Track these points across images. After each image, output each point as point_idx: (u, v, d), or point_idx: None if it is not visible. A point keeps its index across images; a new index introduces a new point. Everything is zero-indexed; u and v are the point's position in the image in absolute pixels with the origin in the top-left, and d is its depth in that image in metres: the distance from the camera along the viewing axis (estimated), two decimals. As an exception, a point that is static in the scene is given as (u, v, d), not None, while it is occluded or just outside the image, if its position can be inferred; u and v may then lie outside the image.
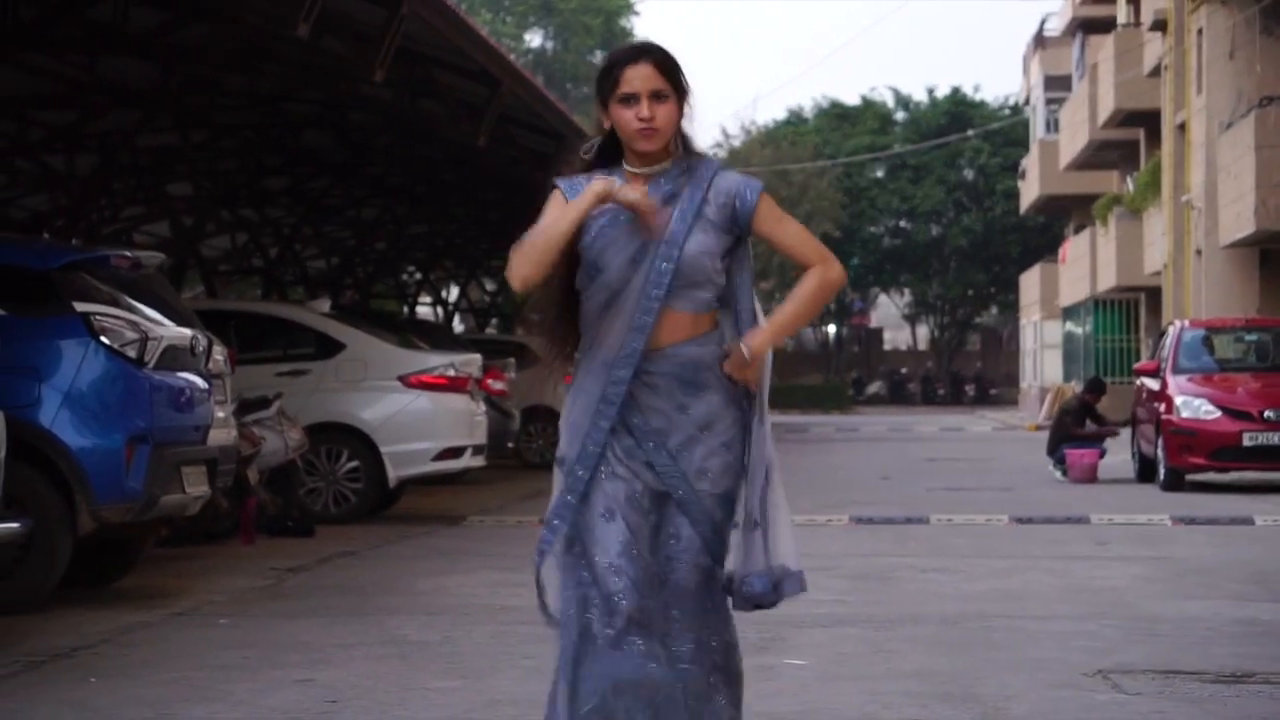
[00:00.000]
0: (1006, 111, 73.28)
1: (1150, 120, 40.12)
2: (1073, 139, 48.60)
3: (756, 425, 5.46)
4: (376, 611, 10.78)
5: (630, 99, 5.34)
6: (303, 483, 17.01)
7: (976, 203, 73.48)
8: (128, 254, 12.18)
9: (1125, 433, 25.05)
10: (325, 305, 19.24)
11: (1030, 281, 58.81)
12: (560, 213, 5.29)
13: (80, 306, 11.00)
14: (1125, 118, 42.13)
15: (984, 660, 8.85)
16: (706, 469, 5.36)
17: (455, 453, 18.15)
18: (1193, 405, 21.30)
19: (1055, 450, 24.05)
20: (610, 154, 5.46)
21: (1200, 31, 33.30)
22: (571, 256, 5.39)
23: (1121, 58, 41.34)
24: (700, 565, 5.36)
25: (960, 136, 70.55)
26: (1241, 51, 31.55)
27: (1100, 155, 47.76)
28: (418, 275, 41.79)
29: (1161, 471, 21.59)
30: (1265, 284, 31.80)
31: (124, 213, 27.69)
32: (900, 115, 75.86)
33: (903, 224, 75.61)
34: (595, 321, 5.40)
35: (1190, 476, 21.51)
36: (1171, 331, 23.47)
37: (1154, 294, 41.28)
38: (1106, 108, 42.83)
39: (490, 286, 47.91)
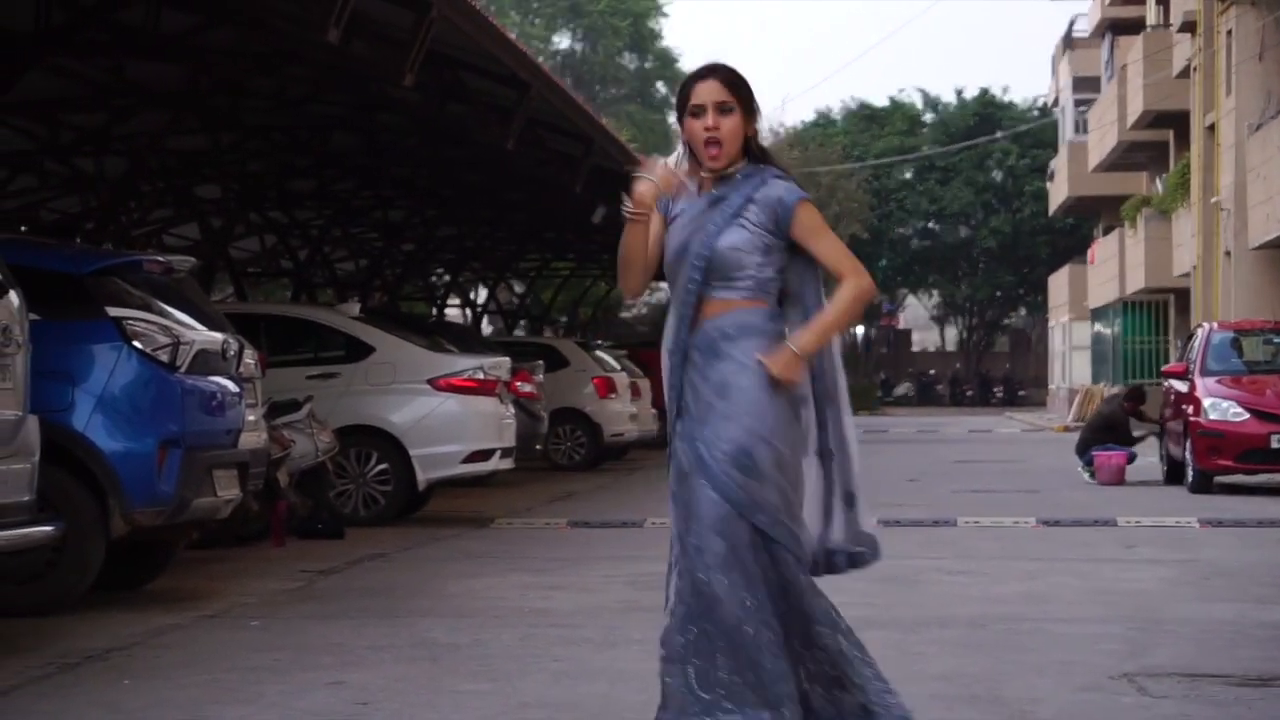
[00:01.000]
0: (1035, 113, 73.17)
1: (1179, 122, 40.05)
2: (1101, 140, 48.54)
3: (832, 413, 6.00)
4: (406, 614, 10.84)
5: (699, 111, 5.88)
6: (333, 485, 17.08)
7: (1005, 204, 73.41)
8: (160, 258, 12.26)
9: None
10: (355, 308, 19.30)
11: (1059, 283, 58.75)
12: (626, 228, 5.90)
13: (113, 311, 11.08)
14: (1154, 119, 42.07)
15: (1010, 663, 8.88)
16: (719, 435, 5.80)
17: (484, 455, 18.20)
18: (1221, 407, 21.29)
19: (1085, 452, 24.06)
20: (695, 162, 6.00)
21: (1229, 33, 33.27)
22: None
23: (1150, 59, 41.28)
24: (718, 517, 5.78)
25: (989, 138, 70.49)
26: (1271, 53, 31.51)
27: (1129, 157, 47.68)
28: (446, 277, 41.85)
29: (1189, 474, 21.59)
30: (1294, 286, 31.75)
31: (153, 215, 27.76)
32: (929, 117, 75.83)
33: (931, 225, 75.57)
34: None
35: (1218, 479, 21.50)
36: (1200, 333, 23.46)
37: (1183, 296, 41.23)
38: (1135, 109, 42.78)
39: (519, 288, 47.99)
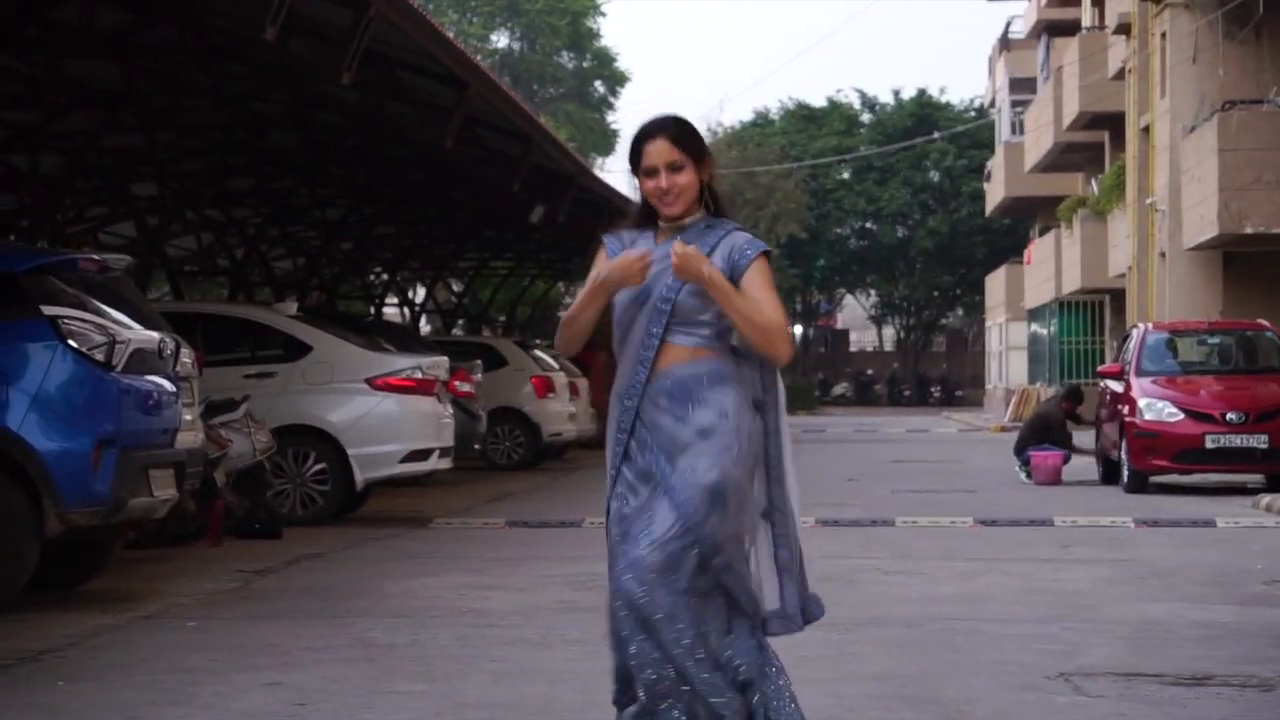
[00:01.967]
0: (972, 114, 73.52)
1: (1115, 123, 40.28)
2: (1038, 141, 48.78)
3: (774, 435, 6.02)
4: (344, 614, 10.82)
5: (651, 171, 5.96)
6: (270, 485, 17.01)
7: (942, 204, 73.73)
8: (95, 257, 12.19)
9: (1088, 435, 25.15)
10: (292, 307, 19.23)
11: (995, 283, 59.03)
12: (585, 299, 5.92)
13: (48, 310, 11.01)
14: (1090, 120, 42.32)
15: (946, 663, 8.92)
16: (695, 467, 5.82)
17: (422, 455, 18.17)
18: (1156, 408, 21.42)
19: (1022, 451, 24.18)
20: (650, 211, 6.05)
21: (1164, 35, 33.47)
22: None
23: (1086, 61, 41.52)
24: (667, 543, 5.78)
25: (926, 139, 70.76)
26: (1204, 55, 31.71)
27: (1065, 158, 47.94)
28: (384, 276, 41.74)
29: (1125, 474, 21.72)
30: (1228, 287, 31.95)
31: (89, 213, 27.60)
32: (866, 117, 76.06)
33: (869, 225, 75.83)
34: (618, 355, 6.04)
35: (1153, 478, 21.64)
36: (1135, 334, 23.59)
37: (1118, 296, 41.47)
38: (1071, 110, 43.02)
39: (457, 287, 47.87)
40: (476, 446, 24.61)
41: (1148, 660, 8.95)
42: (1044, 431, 24.33)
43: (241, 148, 24.33)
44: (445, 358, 19.81)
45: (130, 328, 11.56)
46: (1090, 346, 46.03)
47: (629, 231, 6.08)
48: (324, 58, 15.91)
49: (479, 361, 25.77)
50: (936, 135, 71.29)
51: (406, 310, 43.40)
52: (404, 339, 22.43)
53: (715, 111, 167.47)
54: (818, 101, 77.07)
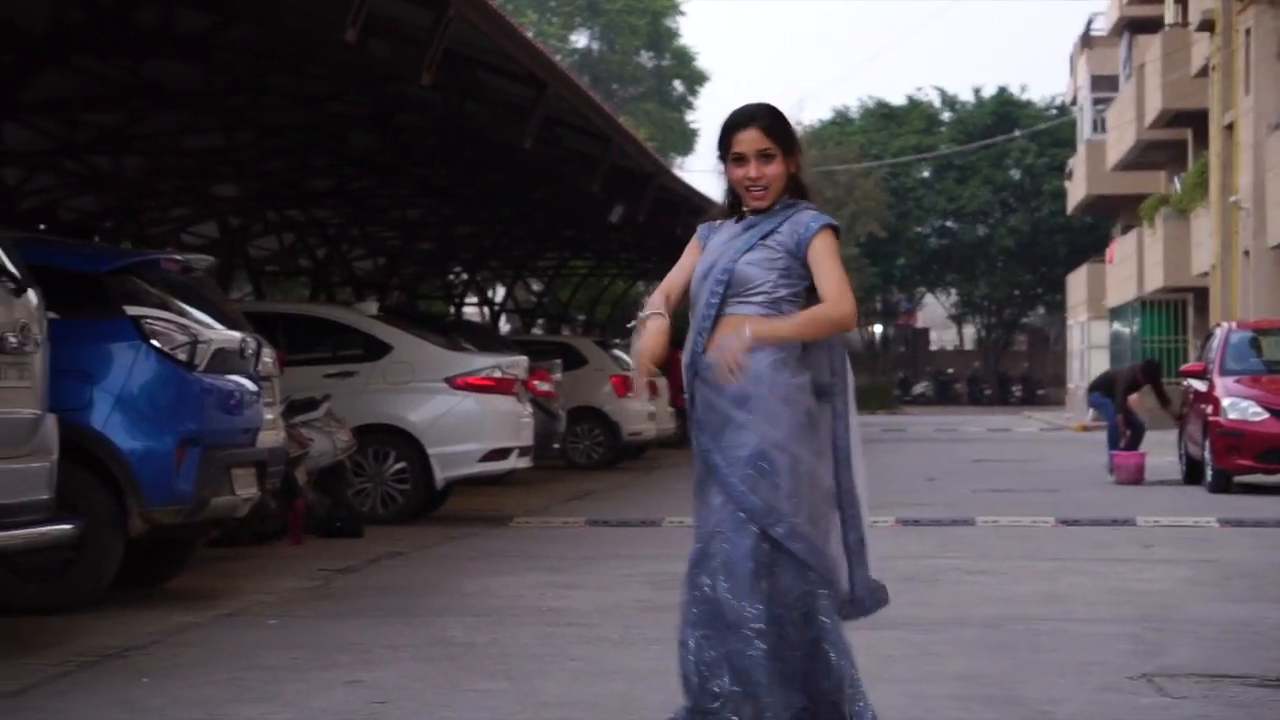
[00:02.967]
0: (1053, 111, 73.09)
1: (1198, 120, 39.97)
2: (1120, 139, 48.46)
3: (842, 418, 6.07)
4: (424, 612, 10.84)
5: (741, 159, 5.95)
6: (351, 484, 17.09)
7: (1023, 203, 73.33)
8: (178, 257, 12.28)
9: (1171, 435, 24.98)
10: (373, 307, 19.30)
11: (1077, 282, 58.67)
12: (646, 341, 5.98)
13: (131, 310, 11.09)
14: (1172, 118, 41.99)
15: (1029, 663, 8.86)
16: (734, 441, 5.86)
17: (502, 454, 18.20)
18: (1240, 407, 21.24)
19: (1092, 393, 25.21)
20: (736, 200, 6.08)
21: (1248, 31, 33.18)
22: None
23: (1169, 58, 41.20)
24: (732, 526, 5.84)
25: (1007, 137, 70.43)
26: (1289, 51, 31.43)
27: (1147, 156, 47.60)
28: (464, 276, 41.87)
29: (1209, 473, 21.55)
30: (1313, 285, 31.67)
31: (171, 214, 27.82)
32: (946, 115, 75.75)
33: (949, 224, 75.50)
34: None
35: (1237, 478, 21.46)
36: (1219, 333, 23.42)
37: (1201, 295, 41.15)
38: (1154, 108, 42.70)
39: (536, 287, 47.96)
40: (556, 446, 24.64)
41: (1233, 662, 8.86)
42: (1109, 386, 24.68)
43: (322, 148, 24.45)
44: (525, 357, 19.85)
45: (212, 327, 11.63)
46: (1172, 345, 45.67)
47: (718, 221, 6.15)
48: (403, 58, 15.96)
49: (558, 361, 25.79)
50: (1017, 133, 70.93)
51: (486, 310, 43.53)
52: (484, 338, 22.50)
53: (795, 110, 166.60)
54: (898, 100, 76.90)
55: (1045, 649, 9.33)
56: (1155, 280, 43.65)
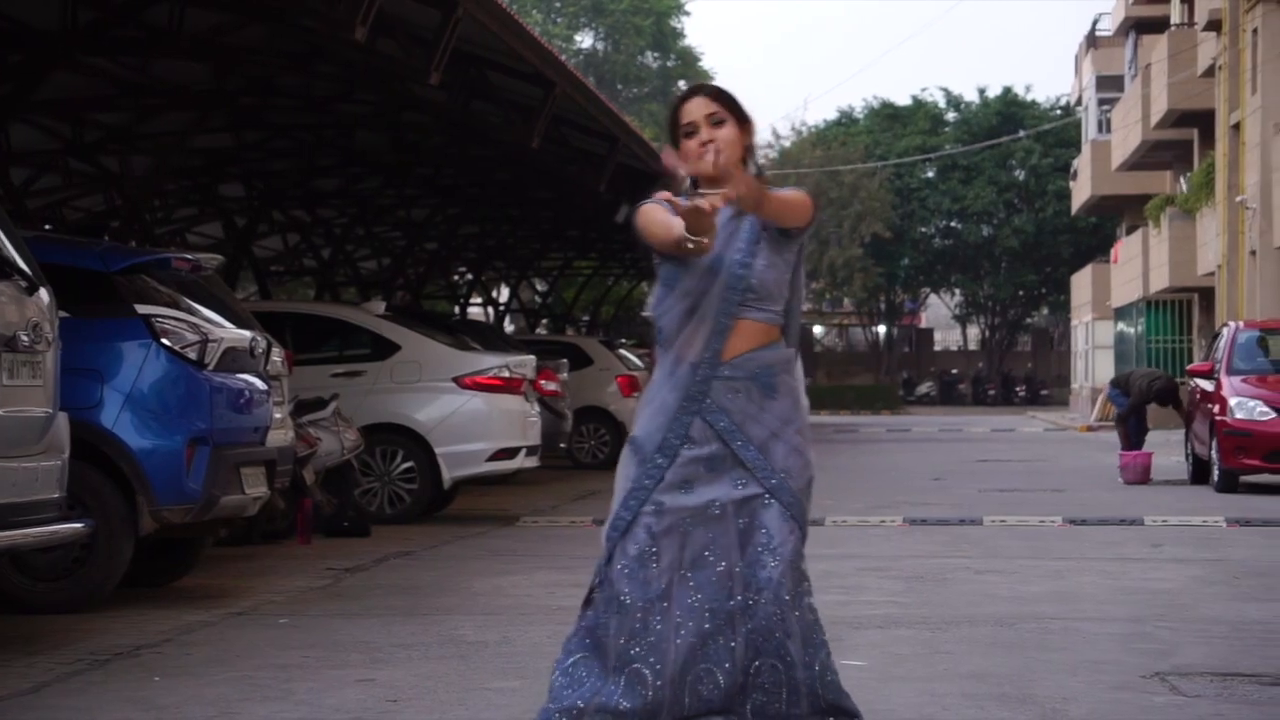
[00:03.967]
0: (1058, 112, 73.06)
1: (1204, 121, 39.95)
2: (1125, 139, 48.44)
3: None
4: (434, 611, 10.85)
5: (691, 129, 5.63)
6: (358, 483, 17.09)
7: (1028, 203, 73.30)
8: (188, 256, 12.28)
9: (1177, 435, 24.97)
10: (380, 307, 19.31)
11: (1082, 282, 58.65)
12: (668, 229, 5.47)
13: (141, 309, 11.09)
14: (1178, 118, 41.97)
15: (1040, 661, 8.86)
16: (789, 466, 5.62)
17: (509, 453, 18.21)
18: (1247, 406, 21.23)
19: (1115, 388, 25.26)
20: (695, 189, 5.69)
21: (1255, 31, 33.17)
22: None
23: (1175, 58, 41.17)
24: (791, 563, 5.55)
25: (1012, 137, 70.39)
26: (1296, 51, 31.41)
27: (1153, 156, 47.58)
28: (469, 276, 41.90)
29: (1216, 473, 21.54)
30: (1320, 285, 31.66)
31: (177, 213, 27.86)
32: (951, 116, 75.71)
33: (954, 224, 75.46)
34: (676, 330, 5.67)
35: (1244, 478, 21.45)
36: (1225, 333, 23.41)
37: (1207, 295, 41.13)
38: (1159, 108, 42.67)
39: (541, 287, 47.97)
40: (562, 445, 24.66)
41: (1245, 660, 8.85)
42: (1127, 387, 24.52)
43: (329, 148, 24.47)
44: (532, 356, 19.86)
45: (222, 326, 11.63)
46: (1178, 345, 45.66)
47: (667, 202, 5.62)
48: (412, 58, 15.98)
49: (565, 361, 25.81)
50: (1022, 134, 70.89)
51: (491, 310, 43.56)
52: (491, 338, 22.51)
53: (800, 110, 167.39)
54: (902, 100, 76.83)
55: (1057, 648, 9.32)
56: (1160, 280, 43.63)
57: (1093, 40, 56.97)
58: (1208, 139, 39.87)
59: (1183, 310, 45.99)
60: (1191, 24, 41.87)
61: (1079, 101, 61.11)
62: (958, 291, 79.19)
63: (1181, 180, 44.97)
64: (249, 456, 11.65)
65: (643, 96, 76.20)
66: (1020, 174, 73.63)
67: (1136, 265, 46.95)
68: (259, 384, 11.84)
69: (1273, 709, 7.65)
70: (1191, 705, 7.71)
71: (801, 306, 5.82)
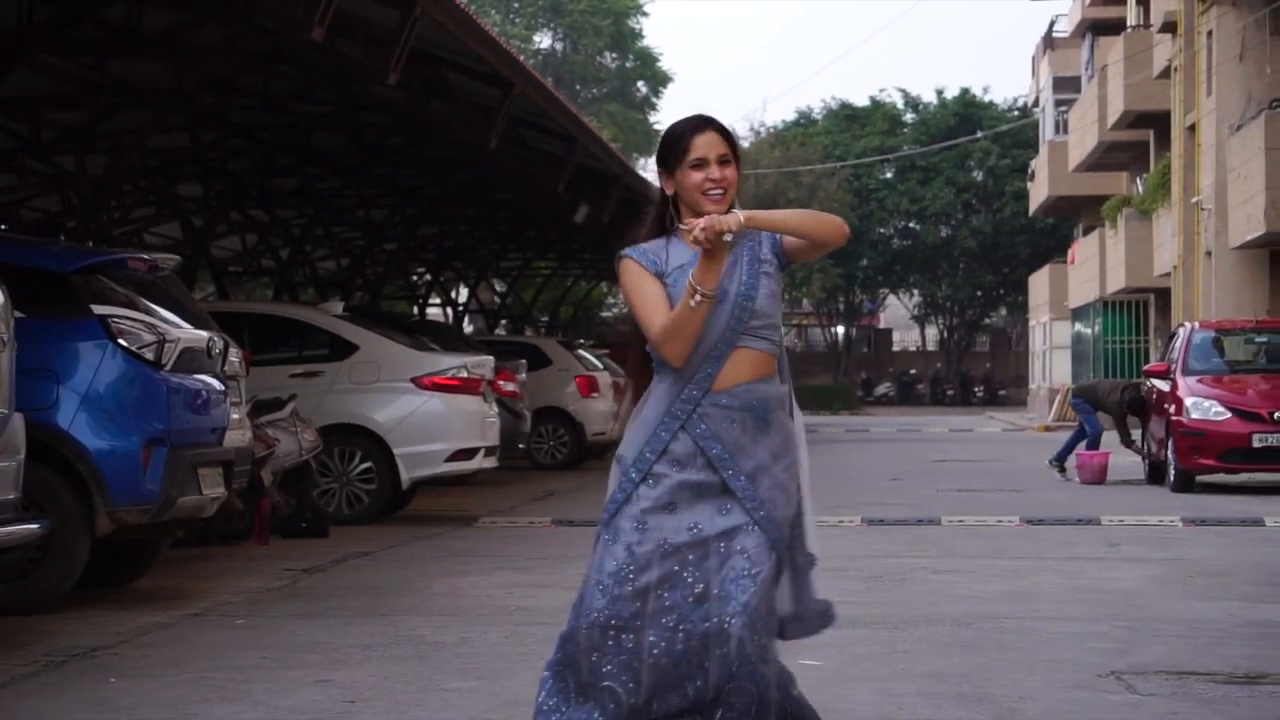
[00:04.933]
0: (1015, 113, 73.29)
1: (1160, 122, 40.12)
2: (1082, 140, 48.62)
3: (803, 458, 5.76)
4: (392, 612, 10.83)
5: (700, 163, 5.65)
6: (316, 484, 17.06)
7: (985, 204, 73.52)
8: (145, 256, 12.24)
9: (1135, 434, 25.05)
10: (338, 307, 19.27)
11: (1039, 283, 58.85)
12: (692, 311, 5.46)
13: (98, 309, 11.05)
14: (1135, 119, 42.15)
15: (998, 661, 8.89)
16: (773, 499, 5.59)
17: (468, 454, 18.19)
18: (1203, 406, 21.33)
19: (1076, 399, 25.32)
20: (661, 218, 5.74)
21: (1210, 33, 33.33)
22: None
23: (1131, 59, 41.35)
24: (768, 589, 5.53)
25: (969, 138, 70.59)
26: (1251, 53, 31.57)
27: (1109, 157, 47.77)
28: (428, 276, 41.84)
29: (1171, 473, 21.64)
30: (1275, 285, 31.81)
31: (134, 214, 27.73)
32: (909, 117, 75.89)
33: (912, 225, 75.62)
34: (667, 344, 5.56)
35: (1200, 478, 21.55)
36: (1181, 333, 23.52)
37: (1163, 295, 41.30)
38: (1116, 109, 42.85)
39: (500, 287, 47.93)
40: (521, 446, 24.64)
41: (1200, 659, 8.90)
42: (1095, 401, 24.53)
43: (287, 148, 24.40)
44: (491, 357, 19.84)
45: (179, 327, 11.60)
46: (1134, 346, 45.85)
47: (650, 243, 5.68)
48: (370, 58, 15.95)
49: (523, 361, 25.79)
50: (980, 135, 71.10)
51: (449, 310, 43.50)
52: (449, 338, 22.48)
53: (758, 111, 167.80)
54: (861, 101, 76.99)
55: (1014, 647, 9.36)
56: (1117, 281, 43.81)
57: (1050, 41, 57.18)
58: (1164, 140, 40.05)
59: (1139, 311, 46.18)
60: (1147, 26, 42.04)
61: (1036, 102, 61.34)
62: (916, 292, 79.38)
63: (1138, 181, 45.15)
64: (206, 457, 11.62)
65: (601, 97, 76.16)
66: (978, 175, 73.84)
67: (1093, 266, 47.14)
68: (216, 384, 11.81)
69: (1226, 706, 7.69)
70: (1146, 704, 7.76)
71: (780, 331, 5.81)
